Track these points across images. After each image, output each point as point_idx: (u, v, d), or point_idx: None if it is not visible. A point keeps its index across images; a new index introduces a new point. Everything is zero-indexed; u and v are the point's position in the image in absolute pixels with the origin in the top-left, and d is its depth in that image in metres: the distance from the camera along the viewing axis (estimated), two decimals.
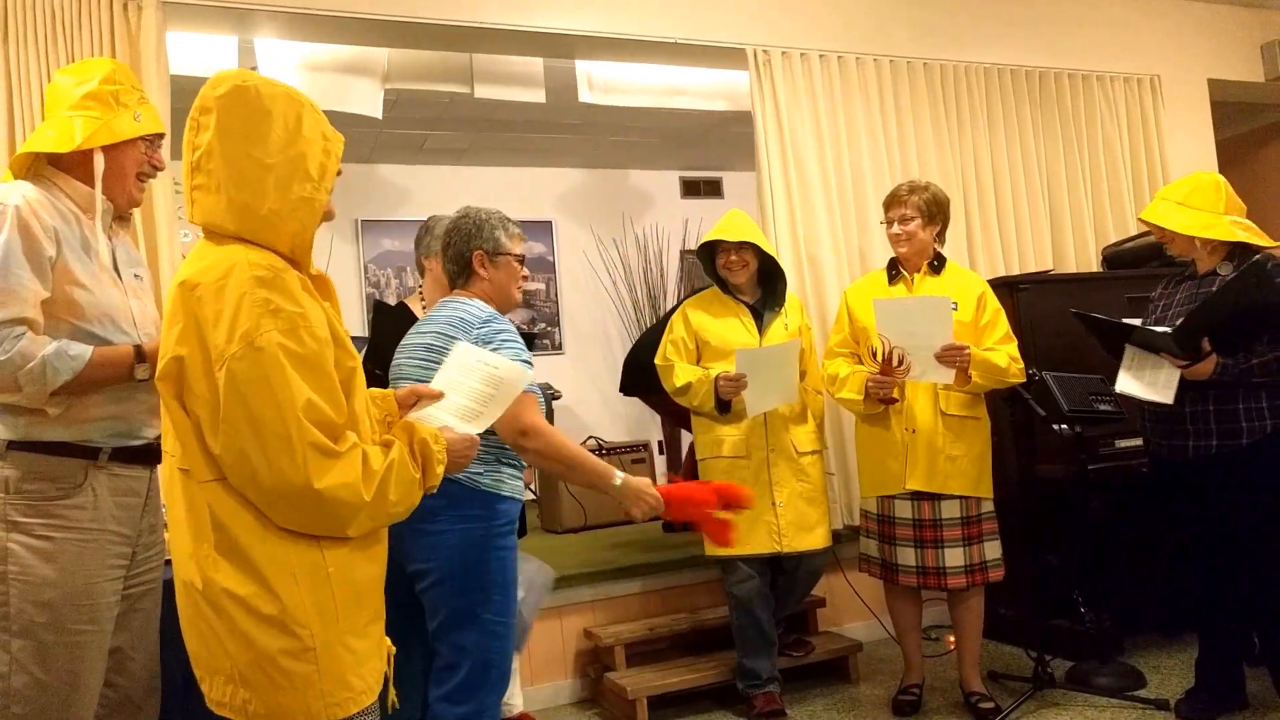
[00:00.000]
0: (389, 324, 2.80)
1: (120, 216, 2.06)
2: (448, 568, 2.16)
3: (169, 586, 2.06)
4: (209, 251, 1.53)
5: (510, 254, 2.38)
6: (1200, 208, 2.87)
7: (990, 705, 3.11)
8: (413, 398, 1.81)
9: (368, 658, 1.54)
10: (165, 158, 3.14)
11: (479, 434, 1.83)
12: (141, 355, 1.88)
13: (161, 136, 2.08)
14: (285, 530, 1.47)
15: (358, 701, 1.51)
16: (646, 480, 2.21)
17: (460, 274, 2.38)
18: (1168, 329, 2.80)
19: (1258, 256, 2.81)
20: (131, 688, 1.96)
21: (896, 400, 3.07)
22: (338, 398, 1.49)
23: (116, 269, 1.99)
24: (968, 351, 2.97)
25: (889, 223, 3.21)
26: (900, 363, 2.98)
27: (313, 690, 1.46)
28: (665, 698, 3.38)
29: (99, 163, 1.93)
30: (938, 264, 3.22)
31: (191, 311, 1.46)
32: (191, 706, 2.14)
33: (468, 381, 1.85)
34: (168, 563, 2.28)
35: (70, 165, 1.95)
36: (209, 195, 1.53)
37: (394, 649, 1.65)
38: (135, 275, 2.06)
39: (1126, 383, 2.93)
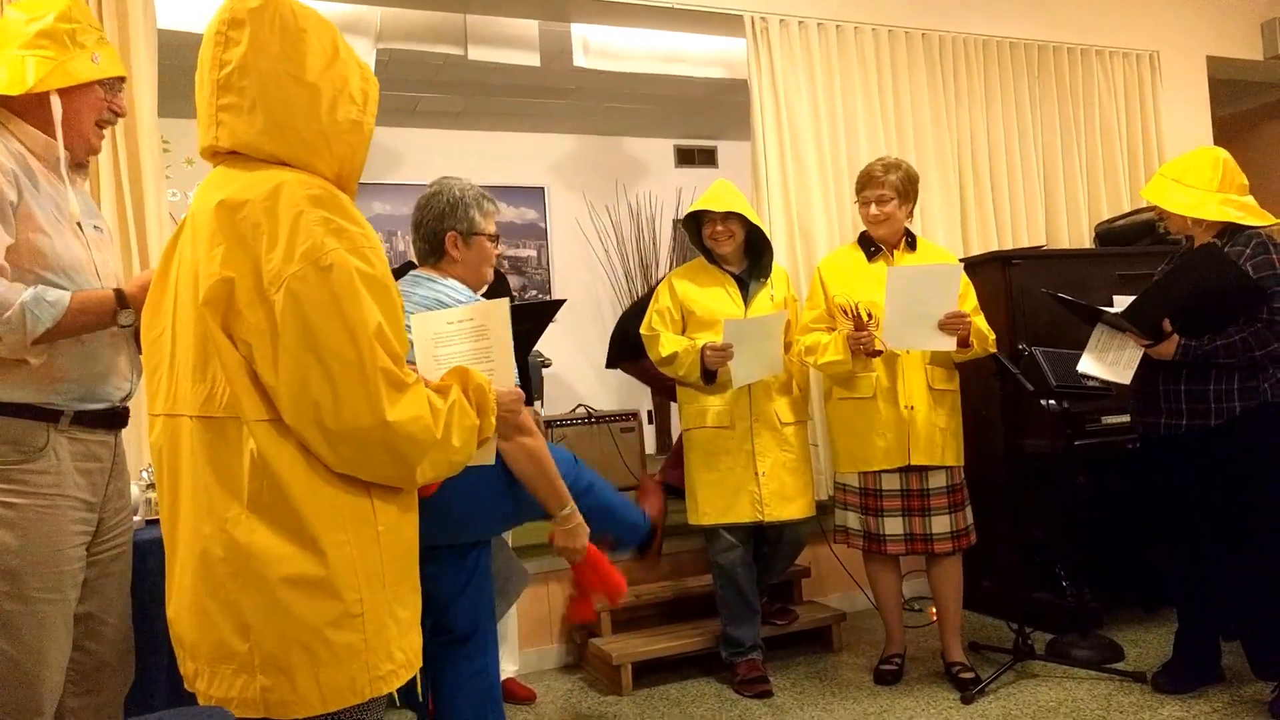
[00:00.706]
0: None
1: (78, 164, 1.95)
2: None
3: (140, 548, 2.06)
4: (238, 175, 1.38)
5: (484, 234, 2.31)
6: (1194, 185, 2.85)
7: (970, 675, 3.15)
8: None
9: (410, 629, 1.43)
10: (150, 116, 3.15)
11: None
12: (124, 300, 1.78)
13: (123, 80, 1.96)
14: (339, 479, 1.34)
15: (399, 675, 1.40)
16: (587, 530, 2.25)
17: (432, 252, 2.31)
18: (1115, 310, 2.85)
19: (1241, 236, 2.80)
20: (105, 652, 1.91)
21: (881, 351, 3.08)
22: (402, 330, 1.38)
23: (77, 221, 1.89)
24: (968, 319, 3.02)
25: (865, 203, 3.21)
26: (870, 316, 3.03)
27: (358, 662, 1.34)
28: (650, 664, 3.41)
29: (57, 107, 1.81)
30: (911, 240, 3.26)
31: (239, 231, 1.32)
32: (179, 672, 2.16)
33: (456, 348, 1.74)
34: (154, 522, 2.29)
35: (23, 108, 1.82)
36: (240, 116, 1.39)
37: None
38: (95, 227, 1.95)
39: (1088, 363, 2.97)
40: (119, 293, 1.79)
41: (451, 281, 2.26)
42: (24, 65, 1.79)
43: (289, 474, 1.31)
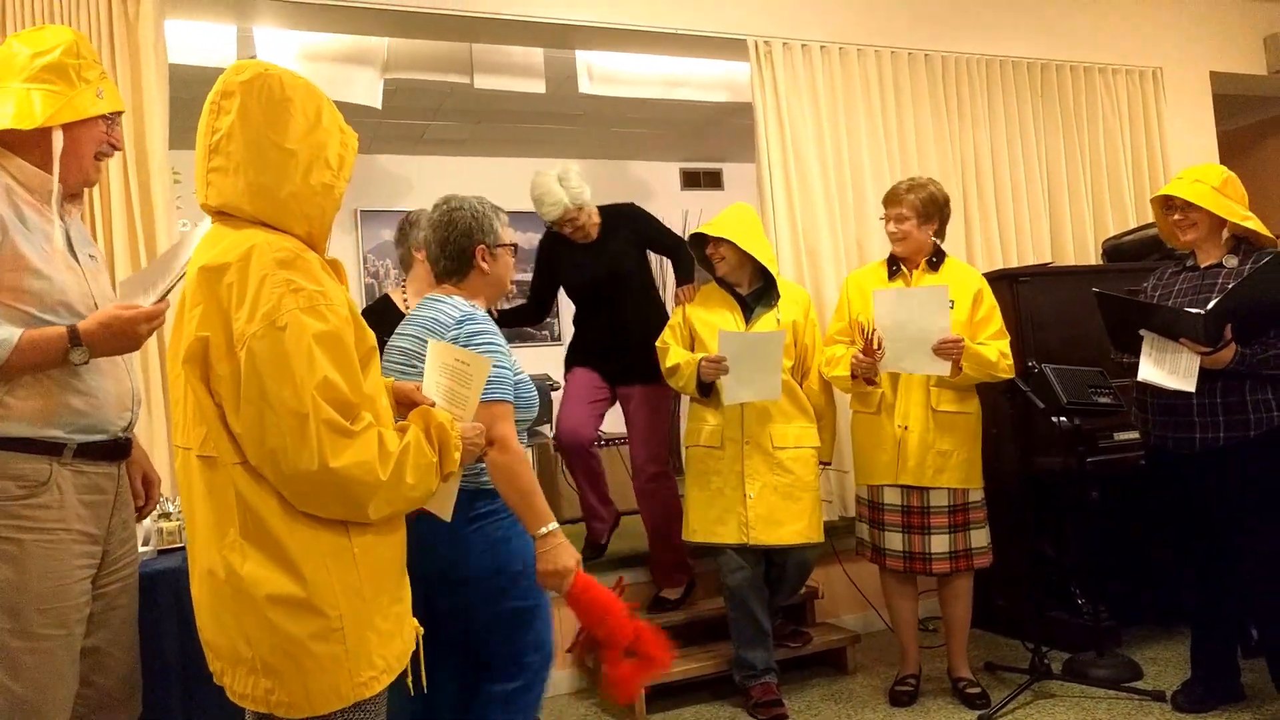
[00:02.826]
0: (370, 321, 2.78)
1: (73, 195, 1.95)
2: (480, 572, 2.13)
3: (148, 580, 2.05)
4: (224, 235, 1.53)
5: (507, 245, 2.34)
6: (1233, 199, 2.88)
7: (977, 690, 3.15)
8: (407, 399, 1.78)
9: (390, 638, 1.56)
10: (161, 148, 3.18)
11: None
12: (76, 338, 1.74)
13: (120, 114, 1.98)
14: (310, 516, 1.47)
15: (380, 681, 1.54)
16: (576, 554, 2.05)
17: (459, 270, 2.28)
18: (1199, 311, 2.75)
19: (1264, 252, 2.81)
20: (111, 685, 1.89)
21: (876, 384, 3.15)
22: (355, 377, 1.50)
23: (72, 251, 1.88)
24: (962, 344, 2.99)
25: (886, 220, 3.24)
26: (879, 346, 3.07)
27: (341, 671, 1.47)
28: (663, 688, 3.39)
29: (58, 142, 1.82)
30: (936, 260, 3.24)
31: (214, 294, 1.46)
32: (192, 703, 2.14)
33: (443, 380, 1.83)
34: (184, 552, 2.28)
35: (18, 142, 1.81)
36: (226, 177, 1.53)
37: (421, 629, 1.67)
38: (90, 256, 1.94)
39: (1149, 371, 2.85)
40: (72, 330, 1.76)
41: (453, 299, 2.24)
42: (30, 100, 1.79)
43: (266, 510, 1.46)
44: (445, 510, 1.79)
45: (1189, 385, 2.78)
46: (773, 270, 3.29)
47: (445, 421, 1.63)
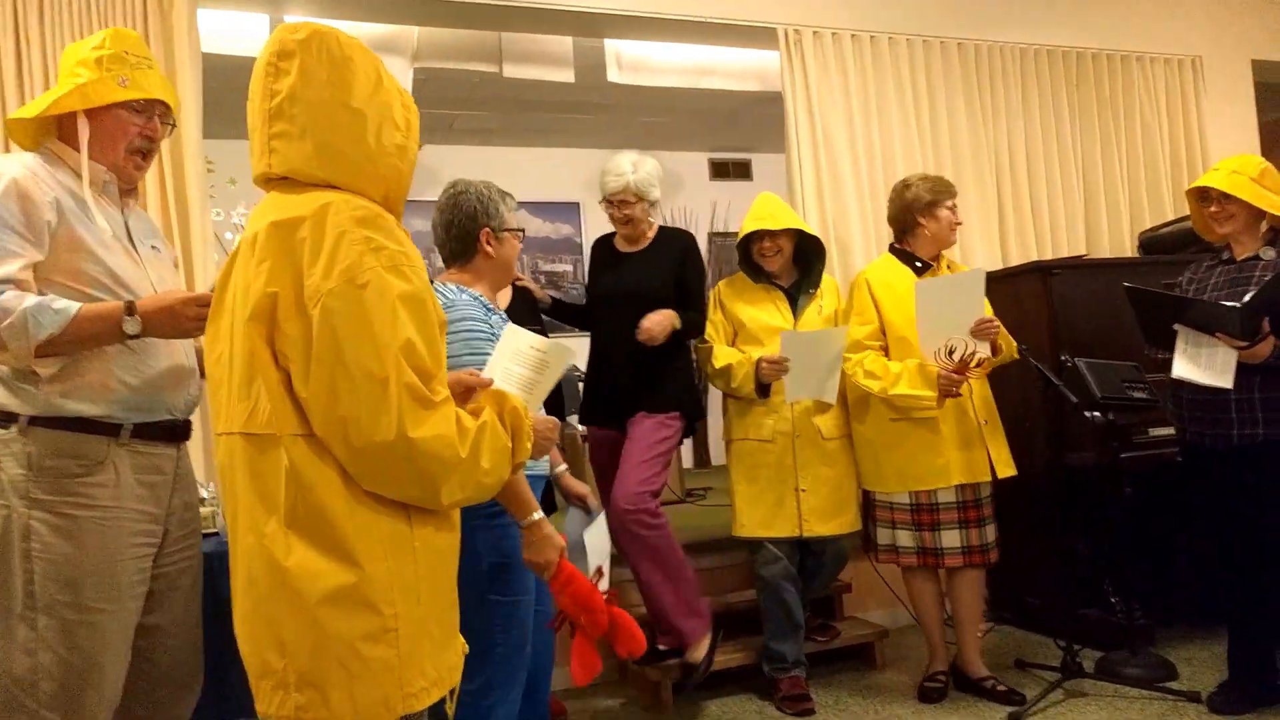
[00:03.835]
0: None
1: (127, 190, 1.99)
2: (470, 561, 2.12)
3: (210, 559, 2.08)
4: (290, 198, 1.42)
5: (514, 230, 2.35)
6: (1272, 190, 2.82)
7: (1005, 687, 3.13)
8: (459, 387, 1.59)
9: (443, 648, 1.44)
10: (195, 137, 3.21)
11: None
12: (131, 309, 1.78)
13: (160, 105, 1.97)
14: (375, 498, 1.36)
15: (430, 694, 1.40)
16: (560, 544, 2.04)
17: (464, 252, 2.30)
18: (1234, 304, 2.69)
19: None
20: (172, 665, 1.95)
21: (961, 395, 3.07)
22: (437, 345, 1.39)
23: (132, 240, 1.93)
24: (998, 323, 3.02)
25: (950, 209, 3.21)
26: (978, 363, 3.02)
27: (392, 677, 1.34)
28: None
29: (83, 129, 1.85)
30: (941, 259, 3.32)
31: (286, 249, 1.35)
32: (225, 690, 2.14)
33: (515, 368, 1.81)
34: (218, 538, 2.31)
35: (68, 135, 1.89)
36: (292, 142, 1.42)
37: (468, 648, 1.56)
38: (153, 247, 1.99)
39: (1184, 368, 2.80)
40: (129, 303, 1.80)
41: (447, 285, 2.26)
42: (51, 93, 1.87)
43: (326, 490, 1.34)
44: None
45: (1226, 382, 2.72)
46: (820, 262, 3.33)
47: (520, 406, 1.52)
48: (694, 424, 3.35)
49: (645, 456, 3.11)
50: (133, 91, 1.90)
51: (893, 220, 3.32)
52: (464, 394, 1.53)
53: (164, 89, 1.97)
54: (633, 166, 3.23)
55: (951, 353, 3.02)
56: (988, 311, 3.06)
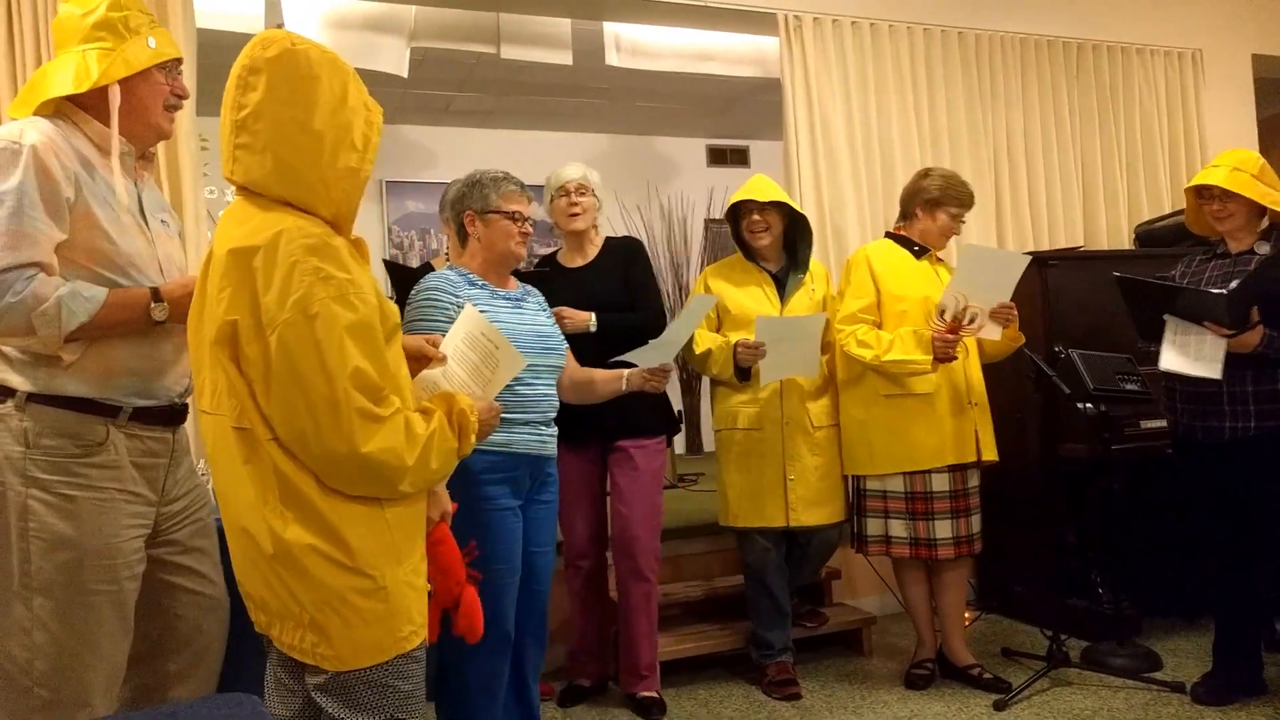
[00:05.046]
0: (409, 287, 2.74)
1: (143, 156, 1.97)
2: None
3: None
4: (252, 215, 1.54)
5: (501, 211, 2.37)
6: (1272, 186, 2.82)
7: (990, 676, 3.15)
8: (418, 353, 1.84)
9: (422, 594, 1.64)
10: (188, 114, 3.18)
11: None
12: (158, 295, 1.81)
13: (179, 61, 1.96)
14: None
15: (419, 634, 1.61)
16: (448, 507, 1.95)
17: (460, 235, 2.46)
18: (1221, 291, 2.69)
19: None
20: (201, 619, 1.95)
21: (957, 357, 3.04)
22: (382, 362, 1.54)
23: (143, 214, 1.91)
24: (1015, 311, 3.02)
25: (955, 218, 3.21)
26: (972, 320, 2.98)
27: (383, 626, 1.54)
28: (678, 664, 3.40)
29: (114, 98, 1.82)
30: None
31: (243, 278, 1.48)
32: (241, 656, 2.14)
33: (468, 352, 1.86)
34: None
35: (91, 103, 1.84)
36: (253, 155, 1.53)
37: (430, 587, 1.73)
38: (162, 221, 1.98)
39: (1171, 359, 2.79)
40: (155, 289, 1.82)
41: (440, 270, 2.37)
42: (86, 61, 1.81)
43: (303, 484, 1.51)
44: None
45: (1215, 372, 2.69)
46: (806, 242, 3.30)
47: (468, 408, 1.68)
48: (670, 439, 3.36)
49: (653, 497, 3.08)
50: (163, 52, 1.89)
51: (901, 200, 3.33)
52: (420, 361, 1.81)
53: (175, 42, 1.97)
54: (585, 171, 3.17)
55: (944, 313, 3.00)
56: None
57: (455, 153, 6.65)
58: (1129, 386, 3.19)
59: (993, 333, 3.01)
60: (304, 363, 1.45)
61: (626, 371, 2.70)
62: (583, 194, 3.15)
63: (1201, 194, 2.94)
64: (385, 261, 3.42)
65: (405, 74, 4.41)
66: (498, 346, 1.87)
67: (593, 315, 3.00)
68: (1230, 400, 2.79)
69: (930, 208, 3.19)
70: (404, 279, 2.97)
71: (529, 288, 2.62)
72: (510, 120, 6.72)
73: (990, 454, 3.17)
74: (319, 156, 1.53)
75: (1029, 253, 4.06)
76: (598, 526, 3.17)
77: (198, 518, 2.00)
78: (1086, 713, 2.93)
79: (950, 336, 2.97)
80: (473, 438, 1.69)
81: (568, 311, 2.96)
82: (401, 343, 1.80)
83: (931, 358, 2.99)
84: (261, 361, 1.48)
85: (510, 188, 2.40)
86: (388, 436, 1.50)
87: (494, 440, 2.27)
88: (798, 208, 3.27)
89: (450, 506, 2.01)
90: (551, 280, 3.05)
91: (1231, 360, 2.73)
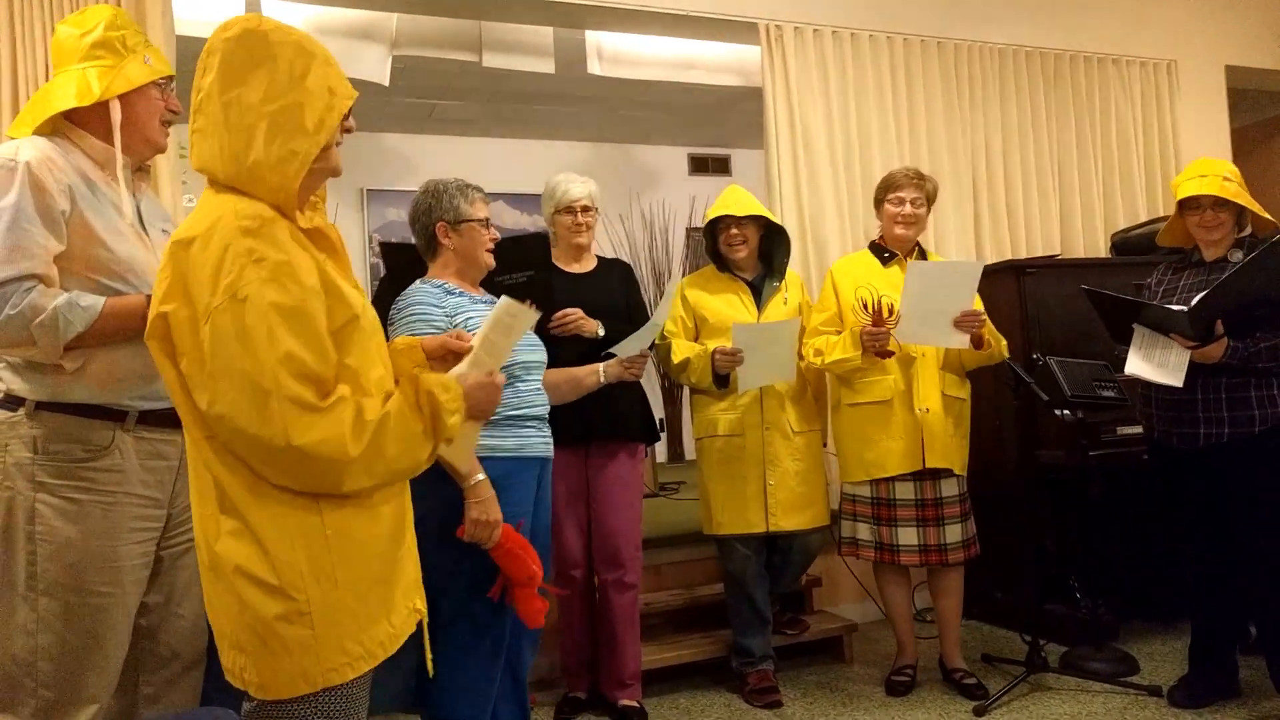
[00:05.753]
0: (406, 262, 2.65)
1: (139, 169, 2.03)
2: (427, 526, 2.14)
3: None
4: (202, 204, 1.49)
5: (472, 220, 2.38)
6: (1244, 190, 2.86)
7: (973, 680, 3.15)
8: (442, 350, 1.80)
9: (370, 623, 1.47)
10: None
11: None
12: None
13: (172, 79, 2.03)
14: (281, 490, 1.41)
15: (355, 668, 1.45)
16: (496, 509, 2.06)
17: (429, 247, 2.41)
18: (1183, 307, 2.74)
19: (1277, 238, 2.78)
20: (179, 645, 1.97)
21: (894, 353, 3.06)
22: (324, 348, 1.42)
23: (142, 225, 1.96)
24: (983, 316, 3.02)
25: (897, 202, 3.21)
26: (890, 313, 3.01)
27: (309, 655, 1.41)
28: (659, 672, 3.39)
29: (116, 113, 1.89)
30: (921, 253, 3.31)
31: (179, 268, 1.41)
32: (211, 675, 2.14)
33: (490, 334, 1.80)
34: None
35: (85, 119, 1.91)
36: (205, 140, 1.47)
37: (423, 612, 1.61)
38: (163, 230, 2.02)
39: (1136, 365, 2.85)
40: (149, 298, 1.81)
41: (414, 285, 2.36)
42: (87, 77, 1.89)
43: (233, 486, 1.41)
44: (462, 463, 1.88)
45: (1176, 380, 2.76)
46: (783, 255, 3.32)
47: (434, 387, 1.52)
48: (648, 448, 3.38)
49: (636, 506, 3.11)
50: (158, 69, 1.97)
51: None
52: (444, 361, 1.76)
53: (167, 60, 2.06)
54: (585, 180, 3.17)
55: (866, 307, 3.04)
56: (977, 305, 3.07)
57: (437, 161, 6.64)
58: (1106, 393, 3.22)
59: (959, 341, 3.01)
60: (234, 350, 1.35)
61: (602, 365, 2.75)
62: (588, 213, 3.16)
63: (1188, 204, 2.94)
64: (382, 243, 3.37)
65: (387, 82, 4.40)
66: (515, 315, 1.81)
67: (599, 323, 3.00)
68: (1204, 407, 2.82)
69: (877, 207, 3.31)
70: (398, 259, 2.79)
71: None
72: (492, 129, 6.73)
73: (939, 462, 3.08)
74: (255, 139, 1.44)
75: (1006, 261, 4.10)
76: (588, 535, 3.15)
77: (193, 537, 2.00)
78: (1065, 717, 2.95)
79: (875, 329, 3.00)
80: (451, 419, 1.53)
81: (579, 314, 2.97)
82: (419, 343, 1.80)
83: (858, 353, 3.04)
84: (197, 354, 1.38)
85: (476, 194, 2.41)
86: (328, 427, 1.37)
87: (507, 445, 2.29)
88: (774, 219, 3.29)
89: (495, 517, 2.08)
90: (556, 281, 3.04)
91: (1206, 368, 2.76)
